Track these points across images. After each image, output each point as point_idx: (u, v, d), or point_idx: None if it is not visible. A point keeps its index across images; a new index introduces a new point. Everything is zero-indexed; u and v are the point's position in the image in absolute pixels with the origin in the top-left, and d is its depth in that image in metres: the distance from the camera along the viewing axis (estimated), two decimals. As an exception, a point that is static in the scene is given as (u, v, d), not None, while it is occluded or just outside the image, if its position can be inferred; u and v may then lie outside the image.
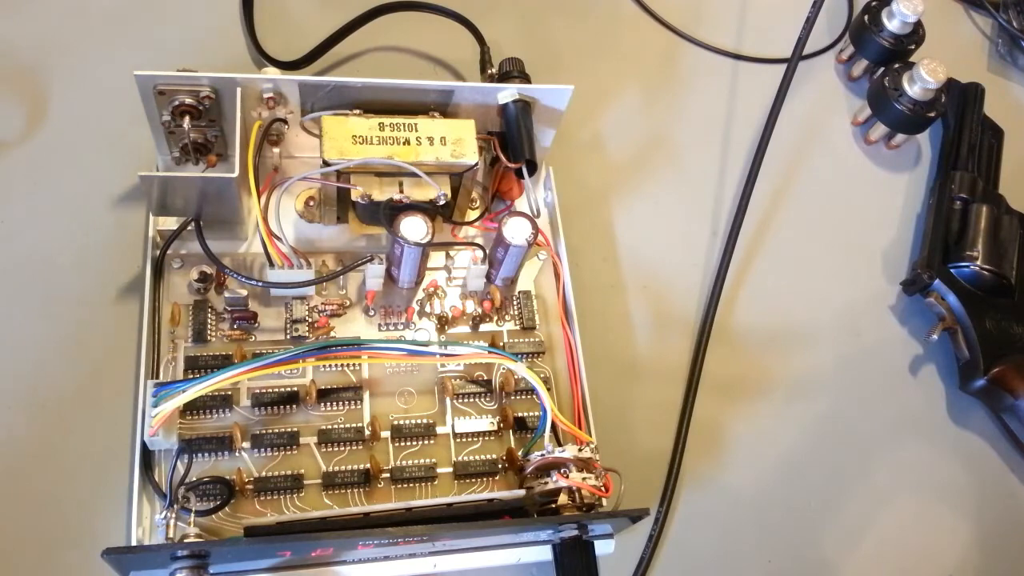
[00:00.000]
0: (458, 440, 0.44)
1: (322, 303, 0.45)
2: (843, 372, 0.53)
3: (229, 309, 0.44)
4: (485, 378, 0.45)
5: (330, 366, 0.44)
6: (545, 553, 0.42)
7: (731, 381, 0.51)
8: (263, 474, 0.41)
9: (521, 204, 0.50)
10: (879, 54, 0.62)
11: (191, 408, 0.41)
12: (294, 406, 0.43)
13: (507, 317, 0.48)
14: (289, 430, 0.42)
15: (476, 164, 0.45)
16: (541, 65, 0.53)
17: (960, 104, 0.62)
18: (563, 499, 0.39)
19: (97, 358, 0.43)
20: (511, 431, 0.45)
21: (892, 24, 0.61)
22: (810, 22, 0.56)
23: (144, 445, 0.39)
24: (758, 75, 0.62)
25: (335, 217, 0.47)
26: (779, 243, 0.56)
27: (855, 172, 0.61)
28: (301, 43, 0.53)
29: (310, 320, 0.45)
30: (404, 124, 0.44)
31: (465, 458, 0.43)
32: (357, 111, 0.44)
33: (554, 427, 0.42)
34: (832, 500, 0.49)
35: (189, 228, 0.44)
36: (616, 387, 0.49)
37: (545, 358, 0.47)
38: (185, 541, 0.36)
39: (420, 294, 0.47)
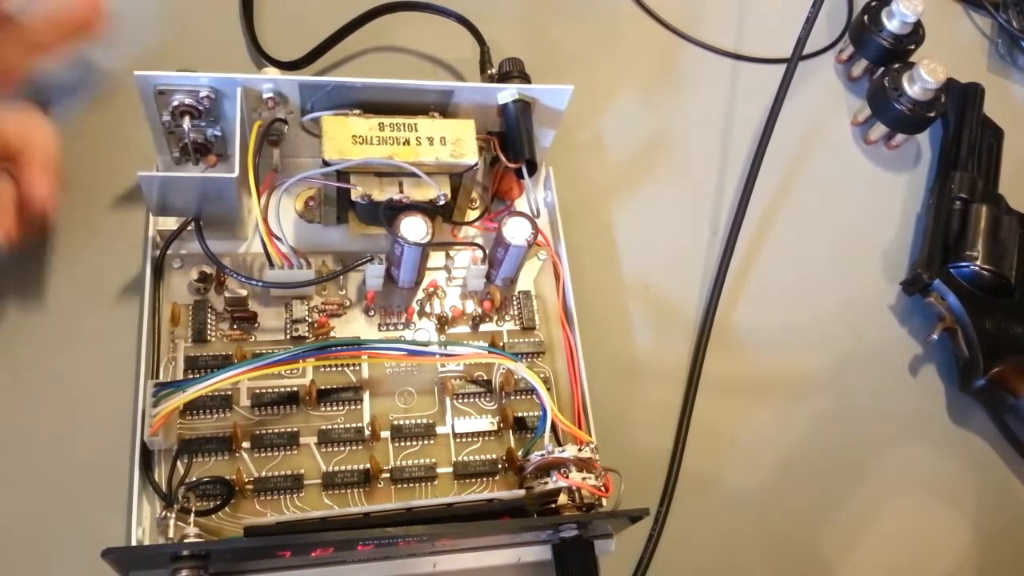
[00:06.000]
0: (458, 440, 0.44)
1: (322, 303, 0.45)
2: (843, 372, 0.53)
3: (229, 309, 0.44)
4: (485, 378, 0.45)
5: (330, 366, 0.44)
6: (545, 553, 0.42)
7: (731, 381, 0.51)
8: (263, 474, 0.41)
9: (521, 204, 0.50)
10: (879, 54, 0.62)
11: (191, 408, 0.41)
12: (294, 406, 0.43)
13: (507, 317, 0.48)
14: (289, 430, 0.42)
15: (476, 164, 0.45)
16: (541, 65, 0.53)
17: (960, 104, 0.62)
18: (563, 499, 0.39)
19: (97, 358, 0.43)
20: (511, 431, 0.45)
21: (892, 24, 0.61)
22: (810, 22, 0.56)
23: (144, 445, 0.39)
24: (758, 75, 0.62)
25: (335, 217, 0.47)
26: (779, 243, 0.56)
27: (855, 172, 0.61)
28: (301, 43, 0.53)
29: (310, 320, 0.45)
30: (404, 124, 0.44)
31: (465, 458, 0.43)
32: (357, 111, 0.44)
33: (554, 427, 0.42)
34: (832, 500, 0.49)
35: (189, 228, 0.44)
36: (616, 387, 0.49)
37: (545, 358, 0.47)
38: (185, 541, 0.36)
39: (420, 294, 0.47)
